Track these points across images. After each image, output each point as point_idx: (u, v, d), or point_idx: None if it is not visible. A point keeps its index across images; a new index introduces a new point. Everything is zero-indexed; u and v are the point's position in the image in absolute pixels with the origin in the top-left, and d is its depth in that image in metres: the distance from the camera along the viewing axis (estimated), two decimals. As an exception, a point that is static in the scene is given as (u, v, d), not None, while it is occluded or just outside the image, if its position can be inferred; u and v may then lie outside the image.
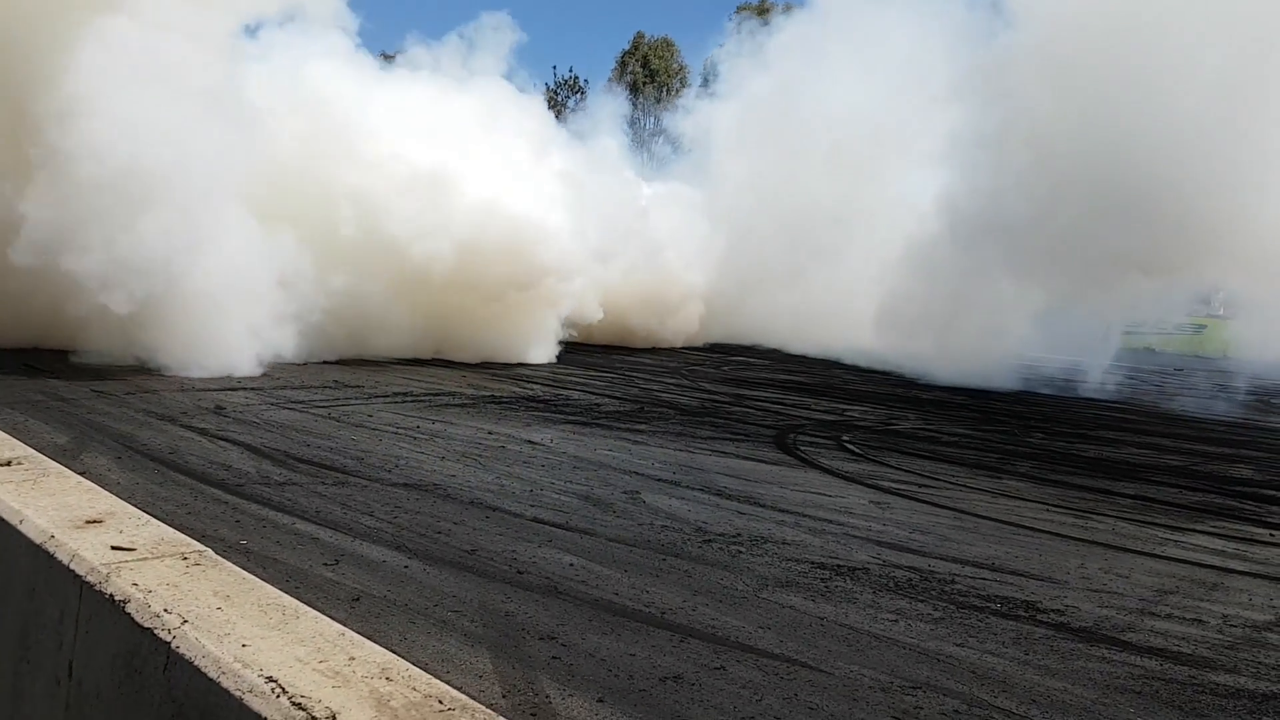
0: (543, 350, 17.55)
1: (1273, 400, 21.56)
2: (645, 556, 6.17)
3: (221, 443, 8.47)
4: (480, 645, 4.59)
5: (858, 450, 10.77)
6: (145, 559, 2.20)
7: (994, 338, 24.37)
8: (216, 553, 5.49)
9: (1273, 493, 10.11)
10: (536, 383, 14.64)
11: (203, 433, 8.80)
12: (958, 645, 5.01)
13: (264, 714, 1.64)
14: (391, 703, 1.66)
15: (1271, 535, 8.03)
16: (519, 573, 5.65)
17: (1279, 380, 25.22)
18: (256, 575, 5.18)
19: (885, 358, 21.73)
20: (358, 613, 4.84)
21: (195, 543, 2.44)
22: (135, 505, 6.13)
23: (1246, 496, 9.74)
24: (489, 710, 1.75)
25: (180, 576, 2.13)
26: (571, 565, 5.87)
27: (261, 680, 1.71)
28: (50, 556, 2.26)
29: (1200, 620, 5.67)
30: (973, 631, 5.22)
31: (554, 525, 6.72)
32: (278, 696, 1.66)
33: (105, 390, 10.39)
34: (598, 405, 12.69)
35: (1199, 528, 8.11)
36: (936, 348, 19.62)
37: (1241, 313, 30.42)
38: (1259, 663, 5.05)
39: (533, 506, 7.17)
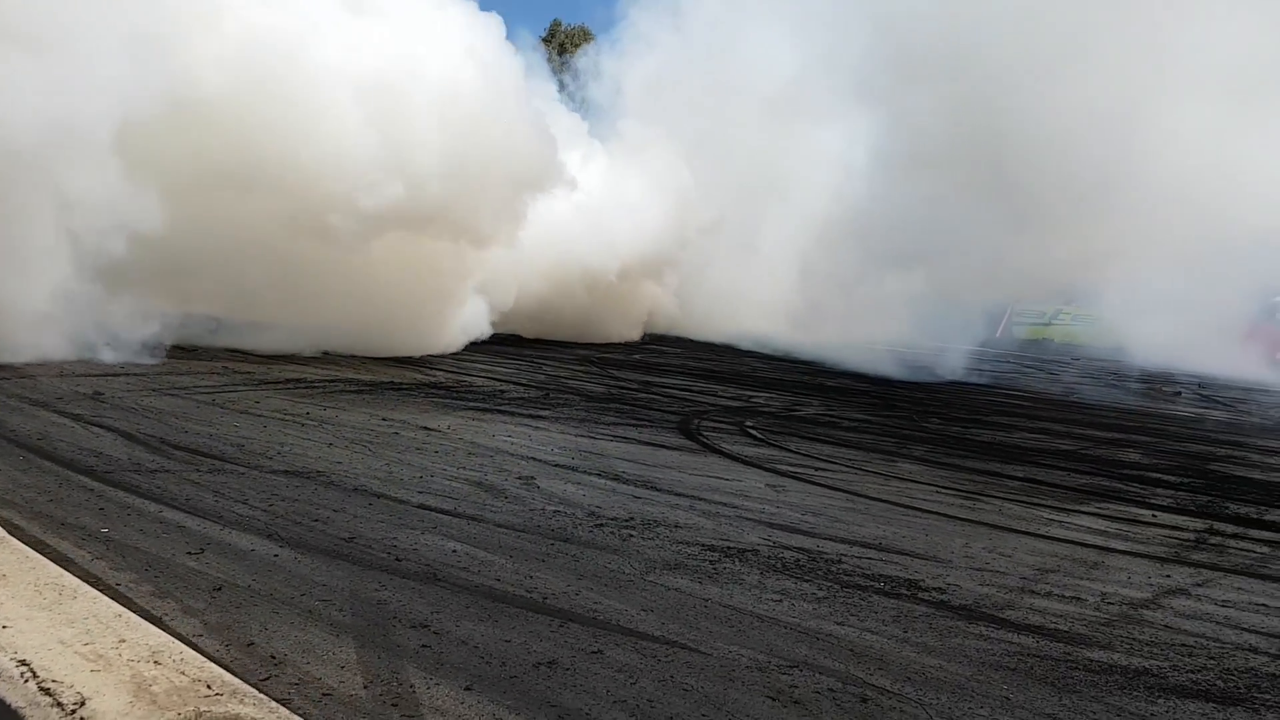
0: (454, 335, 16.10)
1: (1162, 387, 22.32)
2: (533, 542, 6.03)
3: (95, 429, 8.07)
4: (346, 635, 4.39)
5: (759, 435, 10.78)
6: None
7: (889, 327, 24.93)
8: (73, 542, 5.21)
9: (1158, 476, 10.41)
10: (439, 369, 14.34)
11: (76, 419, 8.37)
12: (838, 624, 4.99)
13: (5, 698, 1.46)
14: (153, 687, 1.51)
15: (1154, 516, 8.24)
16: (397, 560, 5.46)
17: (1155, 367, 26.09)
18: (108, 563, 4.92)
19: (794, 346, 22.01)
20: (218, 603, 4.60)
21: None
22: (2, 499, 5.81)
23: (1132, 479, 10.01)
24: (263, 695, 1.60)
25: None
26: (454, 552, 5.70)
27: (12, 664, 1.53)
28: None
29: (1079, 598, 5.75)
30: (854, 610, 5.21)
31: (440, 512, 6.54)
32: (25, 681, 1.49)
33: (-26, 376, 9.84)
34: (502, 392, 12.49)
35: (1084, 509, 8.29)
36: (838, 336, 19.96)
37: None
38: (1133, 639, 5.14)
39: (420, 493, 6.97)
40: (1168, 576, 6.37)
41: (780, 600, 5.29)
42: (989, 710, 4.11)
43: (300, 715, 3.41)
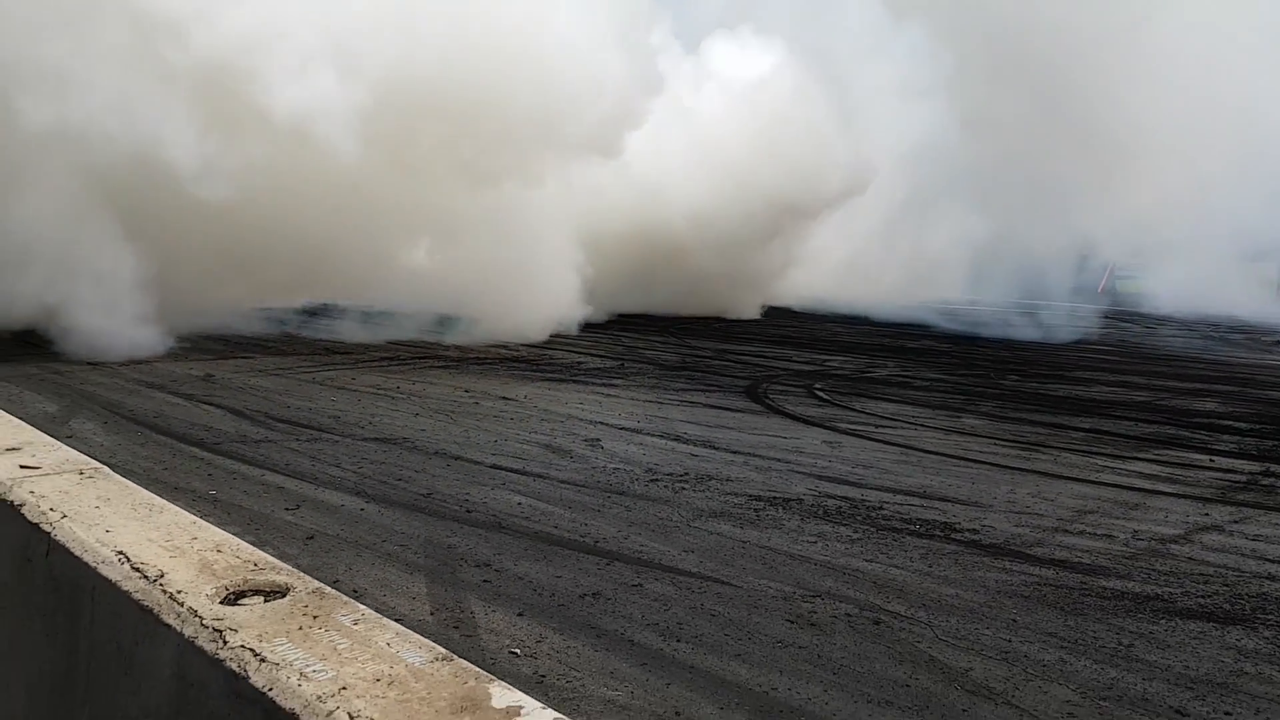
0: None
1: (1262, 338, 21.66)
2: (591, 495, 6.55)
3: (206, 407, 8.91)
4: (419, 573, 4.99)
5: (826, 396, 11.11)
6: (46, 474, 2.57)
7: (987, 287, 24.73)
8: (184, 503, 5.95)
9: (1229, 423, 10.39)
10: (522, 345, 14.98)
11: (189, 398, 9.24)
12: (867, 561, 5.39)
13: (110, 577, 2.02)
14: (214, 566, 2.04)
15: (1211, 461, 8.34)
16: (467, 512, 6.05)
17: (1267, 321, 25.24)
18: (218, 520, 5.62)
19: (881, 309, 22.04)
20: (310, 549, 5.26)
21: (94, 462, 2.80)
22: (115, 464, 6.59)
23: (1201, 427, 10.03)
24: (297, 571, 2.12)
25: (72, 486, 2.50)
26: (519, 504, 6.27)
27: (113, 554, 2.08)
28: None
29: (1110, 535, 6.01)
30: (884, 549, 5.59)
31: (510, 471, 7.12)
32: (122, 564, 2.03)
33: (101, 363, 10.84)
34: (579, 364, 13.07)
35: (1141, 455, 8.43)
36: (931, 297, 19.85)
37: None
38: (1153, 570, 5.39)
39: (493, 455, 7.57)
40: (1206, 515, 6.55)
41: (815, 541, 5.71)
42: (993, 630, 4.47)
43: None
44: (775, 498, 6.64)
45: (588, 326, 16.49)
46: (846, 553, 5.51)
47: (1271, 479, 7.73)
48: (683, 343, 16.33)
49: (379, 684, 1.60)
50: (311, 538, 5.44)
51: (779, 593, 4.87)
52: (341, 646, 1.73)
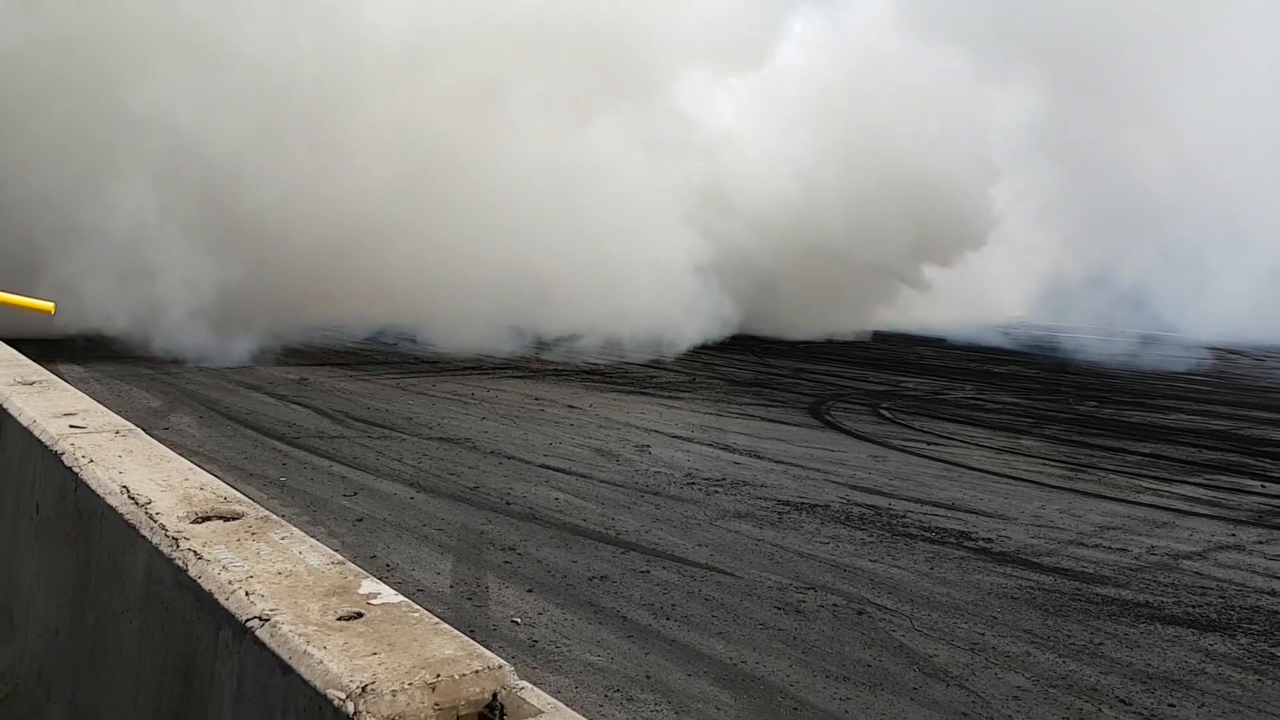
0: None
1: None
2: (626, 494, 6.95)
3: (294, 406, 9.66)
4: (448, 553, 5.48)
5: (889, 415, 11.25)
6: (89, 433, 3.13)
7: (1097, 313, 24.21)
8: (256, 486, 6.59)
9: (1305, 453, 10.13)
10: (602, 359, 15.48)
11: (281, 398, 10.03)
12: (871, 561, 5.64)
13: (112, 504, 2.53)
14: (193, 498, 2.53)
15: (1262, 487, 8.22)
16: (506, 504, 6.53)
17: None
18: (279, 502, 6.23)
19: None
20: (357, 529, 5.81)
21: (130, 425, 3.34)
22: (202, 453, 7.33)
23: (1268, 455, 9.82)
24: (254, 504, 2.60)
25: (106, 441, 3.04)
26: (556, 499, 6.71)
27: (118, 488, 2.60)
28: (31, 434, 3.24)
29: (1124, 550, 6.09)
30: (892, 552, 5.82)
31: (557, 470, 7.58)
32: (123, 495, 2.55)
33: (207, 365, 11.79)
34: (652, 377, 13.49)
35: (1190, 479, 8.37)
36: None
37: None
38: (1153, 581, 5.49)
39: (544, 456, 8.04)
40: (1232, 535, 6.54)
41: (827, 543, 5.98)
42: (970, 625, 4.69)
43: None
44: (803, 503, 6.92)
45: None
46: (854, 553, 5.77)
47: (1322, 506, 7.61)
48: (761, 361, 16.58)
49: (279, 576, 2.04)
50: (360, 520, 6.00)
51: (775, 584, 5.18)
52: (264, 553, 2.18)
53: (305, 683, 1.64)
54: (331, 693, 1.58)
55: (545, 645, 4.29)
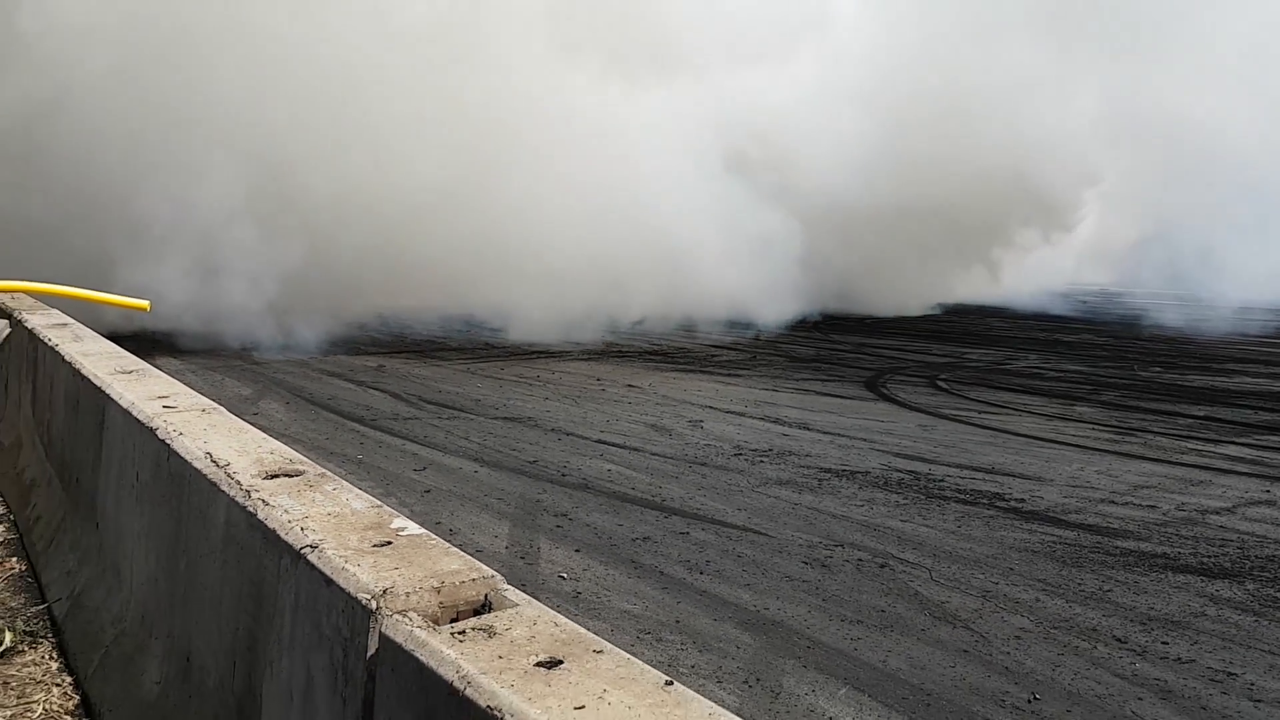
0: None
1: None
2: (675, 465, 7.37)
3: (372, 391, 10.29)
4: (505, 519, 5.97)
5: (945, 386, 11.44)
6: (179, 411, 3.66)
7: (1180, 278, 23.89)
8: (336, 463, 7.17)
9: (1371, 413, 10.03)
10: (667, 340, 15.89)
11: (360, 384, 10.67)
12: (903, 521, 5.96)
13: (198, 468, 3.03)
14: (264, 461, 3.02)
15: (1315, 446, 8.25)
16: (562, 475, 7.00)
17: None
18: (358, 478, 6.80)
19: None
20: (424, 500, 6.34)
21: (214, 404, 3.85)
22: (288, 435, 7.95)
23: (1332, 416, 9.76)
24: (315, 464, 3.07)
25: (194, 418, 3.56)
26: (609, 471, 7.16)
27: (203, 454, 3.10)
28: (130, 415, 3.79)
29: (1154, 506, 6.29)
30: (923, 512, 6.13)
31: (612, 445, 8.03)
32: (207, 459, 3.05)
33: (292, 356, 12.53)
34: (712, 356, 13.86)
35: (1240, 440, 8.43)
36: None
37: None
38: (1176, 535, 5.70)
39: (601, 432, 8.49)
40: (1267, 491, 6.67)
41: (863, 505, 6.31)
42: (985, 575, 4.99)
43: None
44: (845, 470, 7.24)
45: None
46: (887, 515, 6.09)
47: (1370, 462, 7.64)
48: (826, 337, 16.81)
49: (328, 516, 2.51)
50: (428, 491, 6.53)
51: (806, 542, 5.54)
52: (318, 500, 2.66)
53: (343, 590, 2.10)
54: (361, 595, 2.03)
55: (587, 596, 4.74)
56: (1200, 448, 8.12)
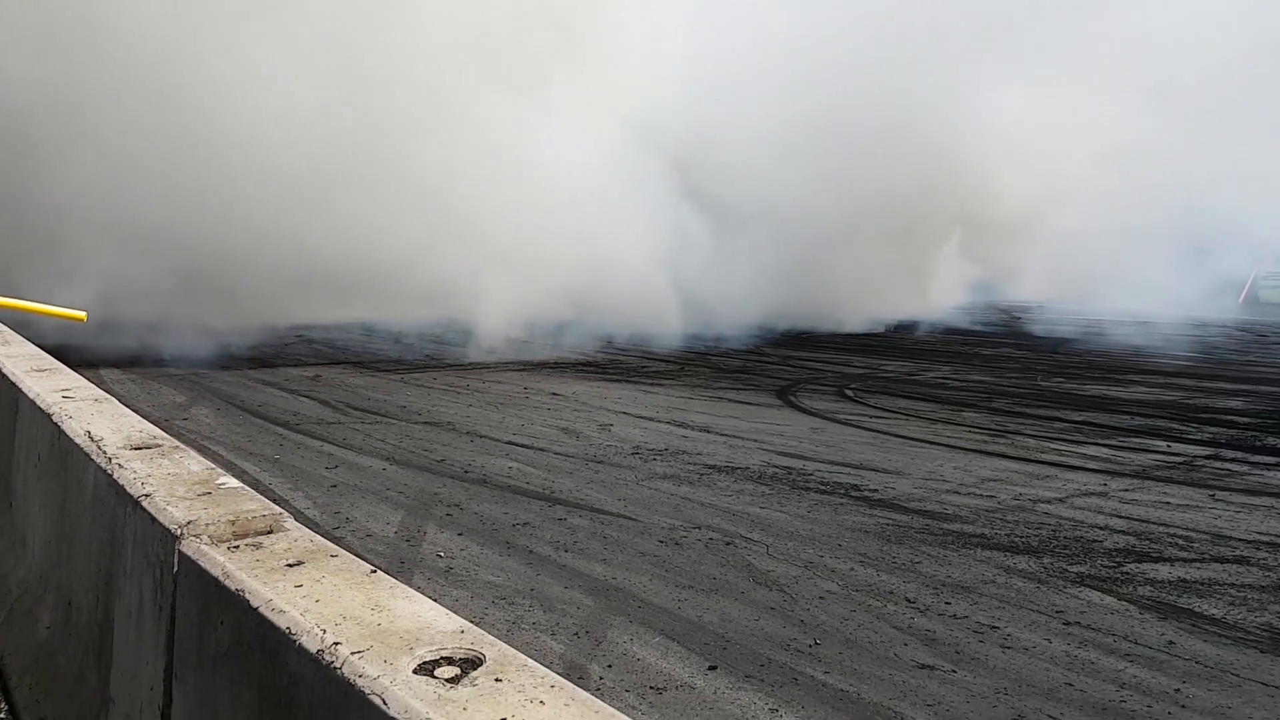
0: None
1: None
2: (573, 463, 7.95)
3: (303, 399, 10.81)
4: (400, 509, 6.53)
5: (852, 395, 12.10)
6: (75, 400, 4.20)
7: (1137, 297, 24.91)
8: (252, 462, 7.69)
9: (1235, 419, 10.78)
10: (601, 353, 16.47)
11: (293, 392, 11.18)
12: (761, 508, 6.57)
13: (78, 443, 3.58)
14: (131, 438, 3.58)
15: (1168, 447, 8.97)
16: (465, 472, 7.56)
17: None
18: (271, 474, 7.31)
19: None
20: (329, 493, 6.87)
21: (107, 395, 4.40)
22: (214, 438, 8.47)
23: (1200, 422, 10.49)
24: (176, 441, 3.63)
25: (86, 406, 4.11)
26: (510, 468, 7.73)
27: (83, 432, 3.65)
28: (35, 404, 4.34)
29: (992, 497, 6.96)
30: (782, 500, 6.76)
31: (520, 446, 8.60)
32: (86, 436, 3.60)
33: (231, 366, 13.01)
34: (643, 367, 14.47)
35: (1103, 442, 9.14)
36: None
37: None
38: (1000, 520, 6.36)
39: (513, 435, 9.07)
40: (1103, 485, 7.35)
41: (730, 495, 6.92)
42: (815, 551, 5.61)
43: (348, 550, 5.57)
44: (727, 466, 7.86)
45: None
46: (749, 503, 6.71)
47: (1209, 461, 8.35)
48: (756, 350, 17.46)
49: (167, 475, 3.08)
50: (335, 486, 7.07)
51: (669, 525, 6.15)
52: (164, 464, 3.22)
53: (161, 525, 2.67)
54: (172, 526, 2.60)
55: (457, 570, 5.31)
56: (1063, 448, 8.81)
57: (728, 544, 5.76)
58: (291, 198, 13.61)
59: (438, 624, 1.95)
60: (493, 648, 1.82)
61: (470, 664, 1.78)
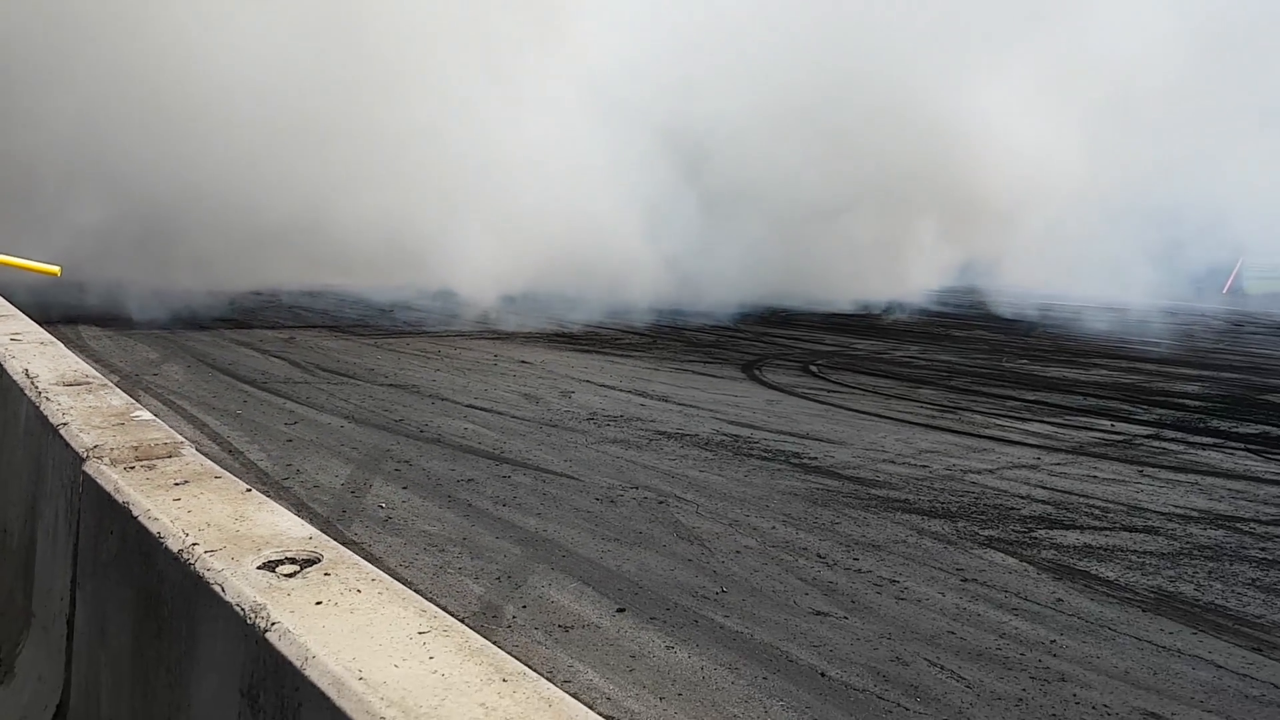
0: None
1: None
2: (529, 426, 8.17)
3: (274, 359, 11.01)
4: (351, 463, 6.75)
5: (816, 371, 12.32)
6: (22, 343, 4.41)
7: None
8: (215, 416, 7.90)
9: (1184, 401, 11.02)
10: (578, 325, 16.65)
11: (265, 353, 11.38)
12: (700, 472, 6.80)
13: (15, 379, 3.79)
14: (65, 376, 3.78)
15: (1111, 425, 9.20)
16: (420, 432, 7.78)
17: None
18: (231, 427, 7.52)
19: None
20: (284, 447, 7.09)
21: (54, 339, 4.62)
22: (180, 393, 8.67)
23: (1150, 404, 10.73)
24: (108, 382, 3.84)
25: (30, 346, 4.32)
26: (466, 430, 7.95)
27: (22, 371, 3.86)
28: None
29: (925, 466, 7.19)
30: (723, 465, 6.98)
31: (479, 409, 8.81)
32: (23, 374, 3.81)
33: (209, 326, 13.19)
34: (616, 340, 14.67)
35: (1048, 419, 9.37)
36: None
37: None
38: (928, 487, 6.59)
39: (475, 399, 9.28)
40: (1037, 459, 7.59)
41: (674, 460, 7.15)
42: (742, 510, 5.85)
43: (292, 499, 5.79)
44: (678, 433, 8.08)
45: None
46: (690, 466, 6.94)
47: (1148, 441, 8.59)
48: (732, 327, 17.65)
49: (89, 409, 3.29)
50: (290, 441, 7.29)
51: (608, 485, 6.37)
52: (89, 399, 3.43)
53: (73, 449, 2.88)
54: (80, 450, 2.81)
55: (396, 521, 5.54)
56: (1007, 424, 9.04)
57: (660, 503, 5.99)
58: (263, 156, 13.75)
59: (290, 532, 2.16)
60: (332, 550, 2.04)
61: (309, 563, 2.00)
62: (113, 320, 12.88)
